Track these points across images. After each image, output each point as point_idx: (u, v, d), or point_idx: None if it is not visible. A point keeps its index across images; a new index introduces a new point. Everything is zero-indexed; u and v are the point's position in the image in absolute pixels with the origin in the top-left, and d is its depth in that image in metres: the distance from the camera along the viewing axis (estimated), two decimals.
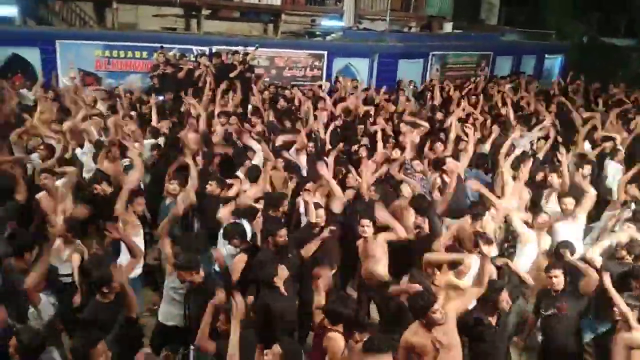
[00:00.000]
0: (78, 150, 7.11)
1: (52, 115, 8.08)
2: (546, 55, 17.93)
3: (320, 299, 4.21)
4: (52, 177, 5.78)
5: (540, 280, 4.88)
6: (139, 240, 5.29)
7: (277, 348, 3.35)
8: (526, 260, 5.41)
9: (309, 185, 6.01)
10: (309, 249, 4.93)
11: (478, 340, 4.05)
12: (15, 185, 5.50)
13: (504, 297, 4.12)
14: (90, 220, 5.29)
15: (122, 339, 3.67)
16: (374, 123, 8.95)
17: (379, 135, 7.79)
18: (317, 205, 5.34)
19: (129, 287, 3.97)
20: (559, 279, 4.49)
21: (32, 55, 11.00)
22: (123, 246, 5.09)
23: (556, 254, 5.01)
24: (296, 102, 10.24)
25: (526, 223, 5.61)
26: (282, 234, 4.88)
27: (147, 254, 5.82)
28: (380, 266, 5.09)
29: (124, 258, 4.99)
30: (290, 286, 4.56)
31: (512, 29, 19.14)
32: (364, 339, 3.51)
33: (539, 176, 7.00)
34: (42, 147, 6.72)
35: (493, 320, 4.12)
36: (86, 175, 6.71)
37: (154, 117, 8.31)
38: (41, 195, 5.63)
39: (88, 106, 8.31)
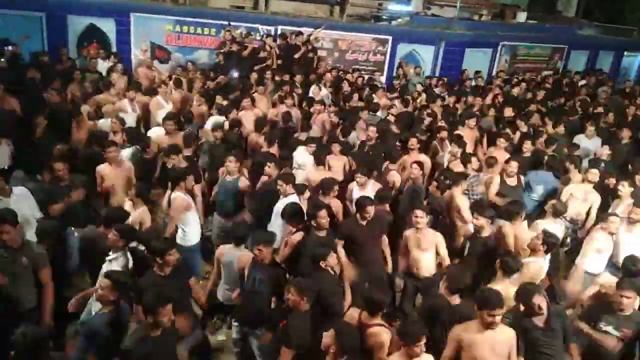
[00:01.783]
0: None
1: (123, 86, 8.44)
2: (625, 53, 16.90)
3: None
4: (118, 148, 6.10)
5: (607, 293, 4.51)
6: (192, 215, 5.48)
7: (332, 331, 3.39)
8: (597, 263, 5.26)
9: (359, 177, 6.00)
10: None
11: (530, 344, 3.94)
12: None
13: (539, 299, 3.95)
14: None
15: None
16: (433, 115, 8.81)
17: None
18: (320, 206, 5.16)
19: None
20: (630, 300, 4.14)
21: (108, 26, 11.45)
22: (190, 218, 5.35)
23: (629, 271, 4.59)
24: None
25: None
26: (323, 215, 4.91)
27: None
28: (429, 258, 5.04)
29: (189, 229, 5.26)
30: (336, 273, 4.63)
31: (590, 23, 18.07)
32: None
33: (610, 182, 6.70)
34: (114, 119, 7.08)
35: (540, 321, 3.99)
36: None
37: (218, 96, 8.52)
38: (102, 167, 5.94)
39: (159, 81, 8.64)
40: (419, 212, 5.12)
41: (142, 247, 4.64)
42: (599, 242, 5.50)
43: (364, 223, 5.19)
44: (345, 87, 10.35)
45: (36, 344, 3.09)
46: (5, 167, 5.92)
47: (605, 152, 7.63)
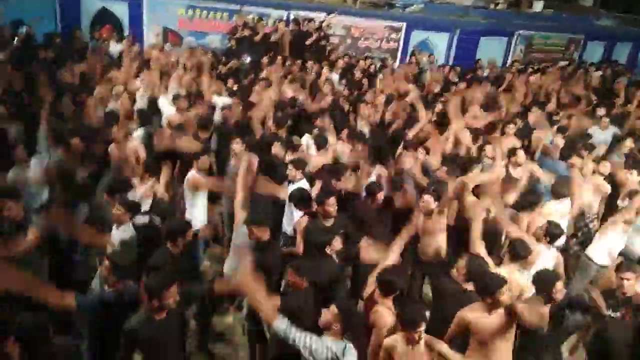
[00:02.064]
0: (161, 99, 7.39)
1: (135, 69, 8.44)
2: None
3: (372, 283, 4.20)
4: (125, 129, 6.11)
5: (612, 278, 4.61)
6: (202, 197, 5.48)
7: (334, 308, 3.37)
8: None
9: (362, 163, 5.95)
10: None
11: (532, 331, 3.92)
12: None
13: (559, 288, 3.95)
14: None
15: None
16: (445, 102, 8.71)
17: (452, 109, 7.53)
18: (330, 193, 5.09)
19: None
20: (630, 282, 4.22)
21: (121, 10, 11.46)
22: (198, 199, 5.36)
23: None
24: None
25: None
26: (331, 202, 4.86)
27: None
28: (439, 243, 5.02)
29: (196, 211, 5.25)
30: (341, 255, 4.59)
31: (608, 13, 17.74)
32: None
33: (621, 174, 6.59)
34: (124, 99, 7.08)
35: (546, 310, 3.97)
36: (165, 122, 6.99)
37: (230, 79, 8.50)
38: (113, 147, 5.95)
39: (169, 63, 8.63)
40: (426, 198, 5.08)
41: (145, 219, 4.63)
42: (611, 237, 5.42)
43: (375, 208, 5.16)
44: (357, 74, 10.27)
45: (36, 331, 2.97)
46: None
47: (628, 144, 7.49)
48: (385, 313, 3.76)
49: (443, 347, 3.62)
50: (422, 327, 3.41)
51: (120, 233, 4.37)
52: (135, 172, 5.53)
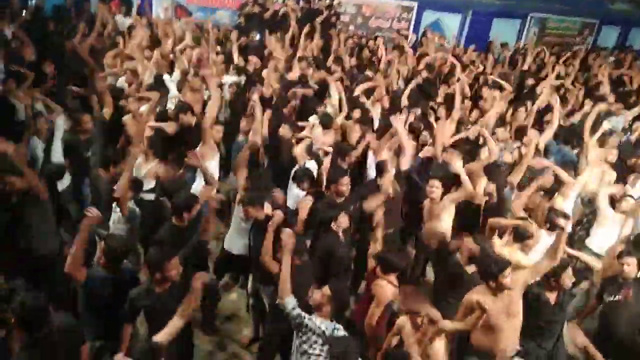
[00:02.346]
0: (166, 77, 7.38)
1: (143, 43, 8.40)
2: None
3: (376, 246, 4.27)
4: (138, 101, 6.08)
5: (613, 266, 4.63)
6: (215, 166, 5.48)
7: (326, 290, 3.44)
8: (601, 241, 5.20)
9: (374, 143, 5.92)
10: (371, 204, 4.94)
11: (534, 315, 3.97)
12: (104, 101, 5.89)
13: (567, 275, 3.97)
14: (170, 147, 5.54)
15: (190, 260, 3.83)
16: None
17: (458, 93, 7.47)
18: (343, 171, 5.16)
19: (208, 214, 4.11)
20: (631, 267, 4.27)
21: None
22: (198, 174, 5.35)
23: (636, 243, 4.71)
24: (379, 54, 9.99)
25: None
26: (344, 182, 4.87)
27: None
28: (444, 228, 5.02)
29: (198, 185, 5.24)
30: (348, 235, 4.62)
31: None
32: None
33: (631, 161, 6.53)
34: (128, 72, 7.08)
35: (552, 296, 4.00)
36: (170, 102, 6.98)
37: (235, 54, 8.42)
38: (127, 118, 5.95)
39: (178, 38, 8.57)
40: (434, 182, 5.06)
41: (150, 197, 4.65)
42: (609, 225, 5.39)
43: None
44: (366, 54, 10.18)
45: (36, 311, 2.94)
46: None
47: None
48: (385, 286, 3.82)
49: (448, 324, 3.64)
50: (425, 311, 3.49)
51: (131, 205, 4.43)
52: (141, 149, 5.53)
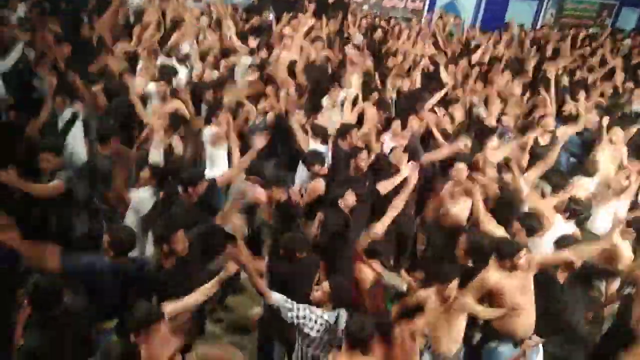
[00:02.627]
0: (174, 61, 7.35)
1: (155, 23, 8.38)
2: None
3: (377, 229, 4.32)
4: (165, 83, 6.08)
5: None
6: (223, 151, 5.51)
7: (326, 285, 3.40)
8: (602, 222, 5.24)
9: (394, 126, 5.94)
10: (385, 186, 4.96)
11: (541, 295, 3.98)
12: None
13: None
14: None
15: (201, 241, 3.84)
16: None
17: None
18: (358, 150, 5.13)
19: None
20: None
21: None
22: (220, 153, 5.43)
23: None
24: (398, 36, 9.87)
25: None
26: (363, 156, 4.91)
27: None
28: (460, 211, 4.97)
29: (217, 171, 5.29)
30: (360, 216, 4.65)
31: None
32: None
33: None
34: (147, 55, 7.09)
35: (562, 277, 4.02)
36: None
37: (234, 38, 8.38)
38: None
39: (193, 18, 8.54)
40: (458, 165, 5.00)
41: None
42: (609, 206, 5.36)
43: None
44: (379, 35, 10.07)
45: (48, 293, 2.95)
46: None
47: None
48: (364, 269, 3.99)
49: (476, 306, 3.71)
50: (454, 284, 3.54)
51: (141, 192, 4.46)
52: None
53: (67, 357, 2.96)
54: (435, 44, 9.72)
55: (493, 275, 3.76)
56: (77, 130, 5.44)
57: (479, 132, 6.08)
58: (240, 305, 5.16)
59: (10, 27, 6.99)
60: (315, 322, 3.27)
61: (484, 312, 3.77)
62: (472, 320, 3.90)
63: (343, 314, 3.32)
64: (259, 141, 4.66)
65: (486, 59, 8.99)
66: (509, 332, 3.83)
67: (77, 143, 5.37)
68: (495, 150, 5.51)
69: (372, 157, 5.34)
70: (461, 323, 3.70)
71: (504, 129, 6.43)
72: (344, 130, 5.53)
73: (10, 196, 4.12)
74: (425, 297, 3.70)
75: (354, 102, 6.37)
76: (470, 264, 4.15)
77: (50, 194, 4.15)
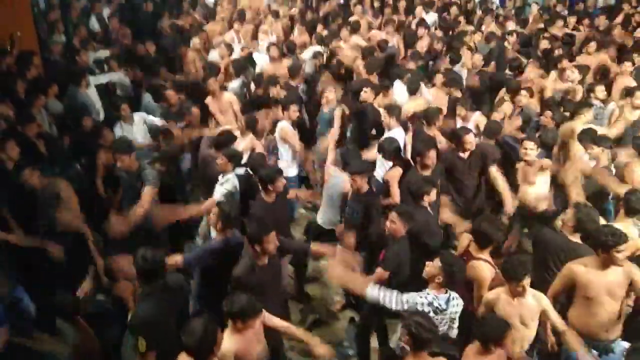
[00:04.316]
0: (255, 54, 7.54)
1: (229, 16, 8.61)
2: None
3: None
4: (217, 81, 6.30)
5: None
6: (289, 148, 5.61)
7: (437, 261, 3.39)
8: None
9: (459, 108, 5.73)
10: None
11: None
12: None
13: None
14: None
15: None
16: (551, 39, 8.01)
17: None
18: (430, 144, 4.86)
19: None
20: None
21: None
22: (283, 152, 5.53)
23: None
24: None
25: None
26: (431, 155, 4.68)
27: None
28: (541, 193, 4.78)
29: (283, 165, 5.38)
30: (434, 209, 4.52)
31: None
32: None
33: None
34: (222, 45, 7.36)
35: None
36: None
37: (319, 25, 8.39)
38: (208, 99, 6.18)
39: (263, 11, 8.69)
40: (528, 144, 4.80)
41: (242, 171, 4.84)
42: None
43: (464, 156, 4.97)
44: (454, 11, 9.71)
45: (153, 263, 3.21)
46: None
47: None
48: (482, 266, 3.67)
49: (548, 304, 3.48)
50: (527, 280, 3.33)
51: (225, 183, 4.62)
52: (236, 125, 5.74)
53: (169, 328, 3.16)
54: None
55: (583, 267, 3.52)
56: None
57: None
58: (321, 293, 5.24)
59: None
60: (422, 305, 3.32)
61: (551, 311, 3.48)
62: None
63: (455, 297, 3.32)
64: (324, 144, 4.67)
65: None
66: (584, 330, 3.57)
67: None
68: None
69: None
70: (534, 319, 3.47)
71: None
72: (429, 117, 5.40)
73: None
74: (495, 298, 3.46)
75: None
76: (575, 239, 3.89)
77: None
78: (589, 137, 5.02)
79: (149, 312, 3.12)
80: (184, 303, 3.60)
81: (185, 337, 2.71)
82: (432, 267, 3.40)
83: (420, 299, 3.36)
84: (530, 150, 4.82)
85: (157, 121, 5.78)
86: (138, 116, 5.77)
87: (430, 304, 3.34)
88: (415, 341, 2.91)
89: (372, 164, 5.09)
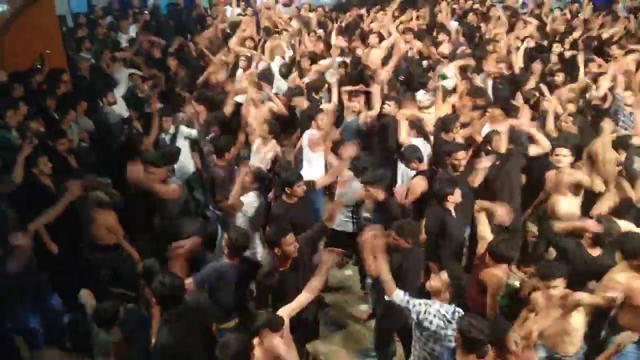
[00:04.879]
0: (272, 65, 7.62)
1: (252, 32, 8.71)
2: None
3: (482, 228, 4.10)
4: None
5: None
6: (319, 154, 5.59)
7: (444, 275, 3.38)
8: None
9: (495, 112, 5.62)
10: (475, 179, 4.74)
11: None
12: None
13: None
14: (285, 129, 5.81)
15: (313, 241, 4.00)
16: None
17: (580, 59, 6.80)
18: (460, 145, 4.91)
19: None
20: None
21: None
22: (312, 160, 5.55)
23: None
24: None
25: None
26: (460, 156, 4.67)
27: None
28: (568, 203, 4.66)
29: (314, 172, 5.40)
30: (461, 212, 4.45)
31: None
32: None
33: None
34: (243, 58, 7.47)
35: None
36: (275, 86, 7.19)
37: (333, 35, 8.39)
38: (245, 107, 6.27)
39: (284, 24, 8.77)
40: (561, 150, 4.67)
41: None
42: None
43: (497, 162, 4.88)
44: (471, 18, 9.66)
45: (173, 290, 3.19)
46: None
47: None
48: (499, 272, 3.67)
49: (591, 297, 3.46)
50: (560, 282, 3.37)
51: (251, 200, 4.64)
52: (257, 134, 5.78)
53: (195, 351, 3.19)
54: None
55: (620, 275, 3.47)
56: (181, 143, 5.90)
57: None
58: (346, 303, 5.22)
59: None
60: (434, 316, 3.27)
61: (596, 298, 3.45)
62: (597, 319, 3.66)
63: (459, 311, 3.30)
64: (348, 152, 4.69)
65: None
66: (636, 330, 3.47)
67: (183, 156, 5.79)
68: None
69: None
70: (578, 322, 3.46)
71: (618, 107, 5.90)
72: (446, 123, 5.38)
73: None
74: (534, 299, 3.51)
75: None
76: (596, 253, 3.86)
77: (171, 195, 4.70)
78: (624, 144, 4.91)
79: (168, 341, 3.11)
80: (210, 321, 3.53)
81: (219, 352, 2.73)
82: (438, 281, 3.37)
83: (431, 307, 3.30)
84: (564, 157, 4.65)
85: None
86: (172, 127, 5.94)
87: (439, 312, 3.30)
88: (465, 341, 2.90)
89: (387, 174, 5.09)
